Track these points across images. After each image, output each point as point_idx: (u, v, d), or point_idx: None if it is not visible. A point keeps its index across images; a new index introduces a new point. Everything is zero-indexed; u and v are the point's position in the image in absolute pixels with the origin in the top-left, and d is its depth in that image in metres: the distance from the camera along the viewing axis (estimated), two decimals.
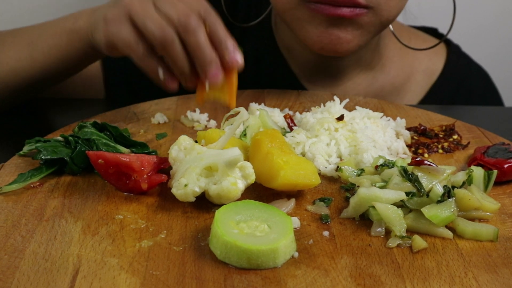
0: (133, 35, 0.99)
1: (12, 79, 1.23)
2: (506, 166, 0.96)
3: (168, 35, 0.97)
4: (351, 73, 1.44)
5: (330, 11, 1.14)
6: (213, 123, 1.18)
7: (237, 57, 1.00)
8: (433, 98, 1.49)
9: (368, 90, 1.45)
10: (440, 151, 1.09)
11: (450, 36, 1.58)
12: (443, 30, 1.57)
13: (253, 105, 1.18)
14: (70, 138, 0.99)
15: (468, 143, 1.11)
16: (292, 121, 1.11)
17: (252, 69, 1.46)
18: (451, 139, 1.12)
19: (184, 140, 0.91)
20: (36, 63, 1.22)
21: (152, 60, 1.02)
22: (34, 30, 1.25)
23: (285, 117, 1.11)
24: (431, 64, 1.52)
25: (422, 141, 1.12)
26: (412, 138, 1.12)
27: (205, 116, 1.20)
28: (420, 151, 1.08)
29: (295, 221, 0.84)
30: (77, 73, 1.30)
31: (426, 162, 0.88)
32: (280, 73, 1.45)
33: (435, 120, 1.22)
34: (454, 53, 1.54)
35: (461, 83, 1.52)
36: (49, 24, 1.24)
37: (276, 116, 1.14)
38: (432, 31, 1.58)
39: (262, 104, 1.25)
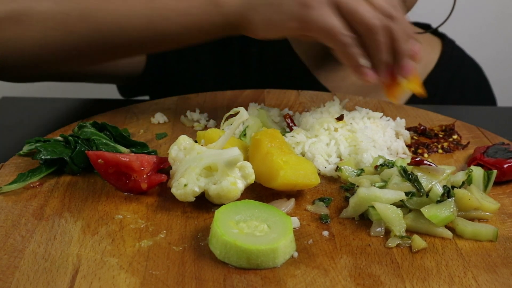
0: (339, 22, 0.95)
1: (115, 35, 1.08)
2: (505, 166, 0.96)
3: (378, 22, 0.95)
4: None
5: None
6: (212, 123, 1.19)
7: (418, 49, 1.02)
8: (429, 88, 1.51)
9: None
10: (440, 151, 1.09)
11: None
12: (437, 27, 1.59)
13: (253, 105, 1.19)
14: (70, 138, 0.99)
15: (468, 143, 1.11)
16: (292, 121, 1.11)
17: (257, 52, 1.47)
18: (450, 139, 1.12)
19: (184, 140, 0.91)
20: (152, 25, 1.06)
21: (355, 48, 0.98)
22: None
23: (284, 117, 1.11)
24: (426, 54, 1.55)
25: (422, 141, 1.12)
26: (411, 138, 1.12)
27: (204, 116, 1.20)
28: (419, 151, 1.08)
29: (295, 221, 0.84)
30: (193, 43, 1.13)
31: (425, 162, 0.88)
32: (285, 56, 1.46)
33: (435, 120, 1.22)
34: (449, 46, 1.58)
35: (455, 74, 1.56)
36: None
37: (276, 116, 1.14)
38: (425, 27, 1.60)
39: (262, 104, 1.25)
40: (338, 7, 0.96)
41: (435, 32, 1.60)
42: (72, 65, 1.20)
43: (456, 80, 1.56)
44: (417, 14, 1.55)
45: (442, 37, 1.60)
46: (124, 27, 1.07)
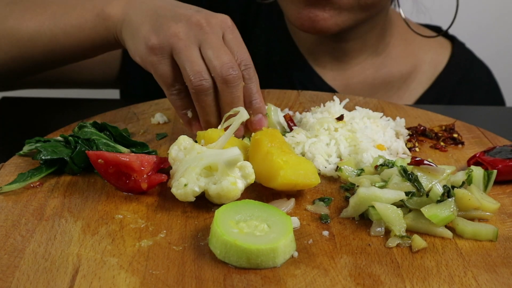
0: (171, 72, 0.98)
1: (29, 49, 1.18)
2: (500, 166, 0.96)
3: (204, 86, 0.96)
4: (358, 58, 1.48)
5: None
6: None
7: (262, 122, 1.02)
8: (438, 89, 1.54)
9: (376, 76, 1.49)
10: (442, 143, 1.10)
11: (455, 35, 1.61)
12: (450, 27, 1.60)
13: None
14: (70, 138, 0.99)
15: (463, 142, 1.11)
16: (292, 121, 1.11)
17: (263, 50, 1.48)
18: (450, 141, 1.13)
19: (184, 140, 0.91)
20: (56, 39, 1.16)
21: (183, 100, 1.01)
22: (59, 4, 1.18)
23: (285, 117, 1.11)
24: (436, 55, 1.57)
25: (419, 139, 1.12)
26: (409, 137, 1.12)
27: None
28: (410, 144, 1.09)
29: (295, 221, 0.84)
30: (94, 56, 1.23)
31: (425, 162, 0.88)
32: (290, 55, 1.47)
33: (435, 120, 1.21)
34: (459, 48, 1.59)
35: (464, 76, 1.57)
36: (76, 2, 1.17)
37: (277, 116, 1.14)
38: (435, 29, 1.61)
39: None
40: (173, 57, 0.98)
41: (445, 34, 1.60)
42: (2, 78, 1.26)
43: (465, 82, 1.57)
44: (428, 16, 1.56)
45: (452, 39, 1.61)
46: (35, 42, 1.16)
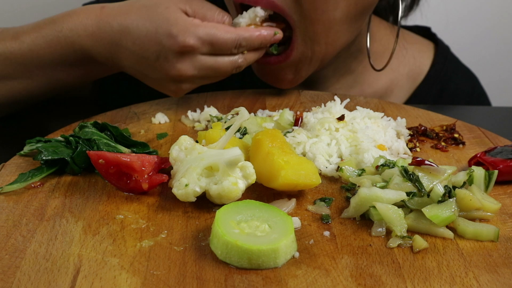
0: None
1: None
2: (501, 166, 0.95)
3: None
4: (329, 80, 1.43)
5: (259, 60, 1.19)
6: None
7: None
8: (416, 101, 1.47)
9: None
10: (443, 143, 1.10)
11: (443, 37, 1.56)
12: (441, 30, 1.56)
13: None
14: (71, 138, 0.99)
15: (464, 142, 1.11)
16: (301, 121, 1.10)
17: (237, 81, 1.44)
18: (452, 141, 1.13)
19: (185, 140, 0.91)
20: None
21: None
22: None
23: (299, 115, 1.11)
24: (415, 67, 1.48)
25: (420, 140, 1.12)
26: (410, 138, 1.12)
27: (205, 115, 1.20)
28: (411, 144, 1.09)
29: (296, 221, 0.84)
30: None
31: (427, 162, 0.88)
32: (265, 85, 1.43)
33: (436, 120, 1.22)
34: (442, 54, 1.50)
35: (445, 85, 1.49)
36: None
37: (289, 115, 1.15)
38: (424, 30, 1.55)
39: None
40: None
41: (431, 36, 1.53)
42: None
43: (447, 92, 1.49)
44: (417, 17, 1.52)
45: (436, 42, 1.52)
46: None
